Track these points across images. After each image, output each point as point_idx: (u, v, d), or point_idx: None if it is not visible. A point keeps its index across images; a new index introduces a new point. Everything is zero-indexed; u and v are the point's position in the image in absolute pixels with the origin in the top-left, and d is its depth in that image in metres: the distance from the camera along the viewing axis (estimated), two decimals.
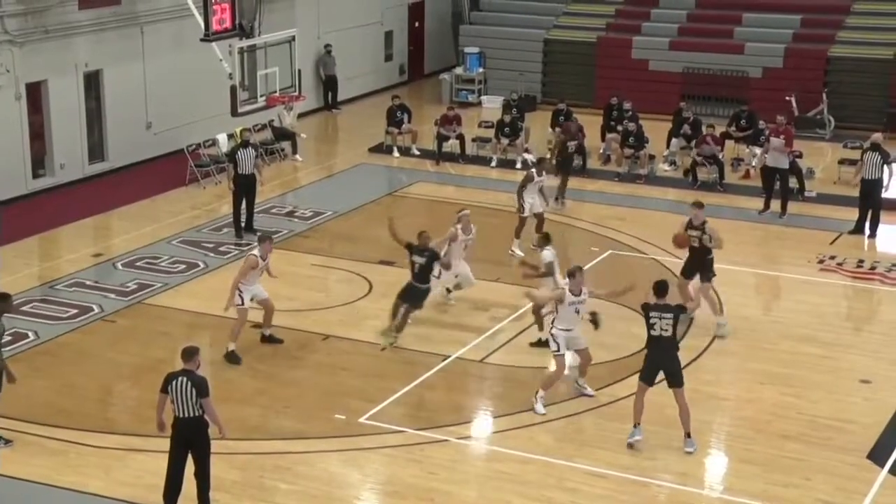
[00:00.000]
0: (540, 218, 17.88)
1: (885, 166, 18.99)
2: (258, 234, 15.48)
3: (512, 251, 17.85)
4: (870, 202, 18.98)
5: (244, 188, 18.81)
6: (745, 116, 23.06)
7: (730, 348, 14.69)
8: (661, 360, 12.18)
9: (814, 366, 14.31)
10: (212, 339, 14.93)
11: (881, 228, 19.27)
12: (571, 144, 20.93)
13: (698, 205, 15.20)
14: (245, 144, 19.08)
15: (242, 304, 14.23)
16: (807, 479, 11.76)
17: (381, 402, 13.17)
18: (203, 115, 22.85)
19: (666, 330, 12.03)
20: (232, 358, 14.17)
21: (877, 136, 19.36)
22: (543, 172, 18.29)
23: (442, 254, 15.21)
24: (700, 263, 15.07)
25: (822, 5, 27.48)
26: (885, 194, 19.24)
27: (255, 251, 14.42)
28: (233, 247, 18.36)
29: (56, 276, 17.07)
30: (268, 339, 14.70)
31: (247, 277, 14.23)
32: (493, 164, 23.08)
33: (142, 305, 15.99)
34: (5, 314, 12.09)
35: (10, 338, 14.71)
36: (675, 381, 12.21)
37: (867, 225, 19.03)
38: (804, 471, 11.88)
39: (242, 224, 18.84)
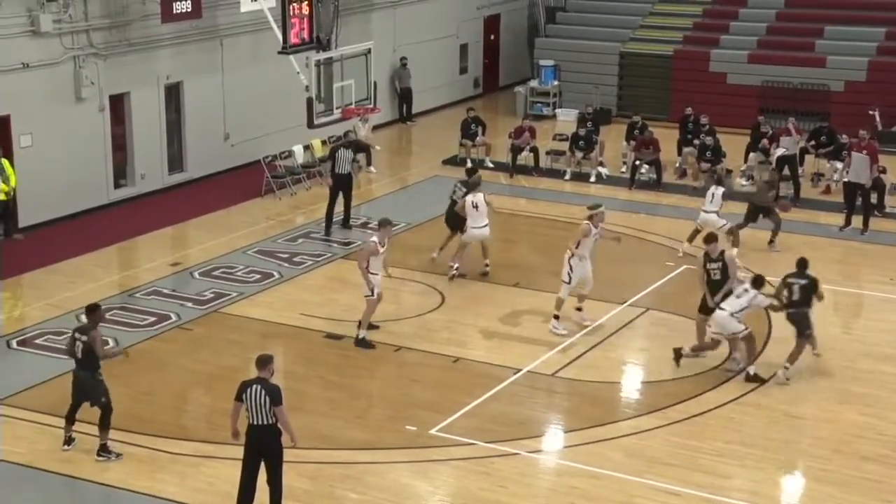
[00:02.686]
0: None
1: None
2: (378, 221, 15.56)
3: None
4: None
5: (340, 186, 19.58)
6: (826, 132, 22.65)
7: (807, 366, 14.39)
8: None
9: (895, 386, 13.94)
10: (285, 349, 15.07)
11: None
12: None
13: (712, 238, 14.87)
14: (346, 145, 19.88)
15: (372, 294, 14.67)
16: (887, 501, 11.47)
17: (451, 415, 13.16)
18: (279, 127, 23.13)
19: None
20: (363, 344, 14.72)
21: None
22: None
23: (575, 247, 15.30)
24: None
25: None
26: None
27: (375, 237, 14.76)
28: (308, 257, 18.52)
29: (135, 285, 17.38)
30: (370, 325, 15.13)
31: (370, 264, 14.47)
32: (567, 177, 22.98)
33: (217, 314, 16.20)
34: (100, 324, 12.32)
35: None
36: None
37: None
38: (884, 493, 11.59)
39: (337, 220, 19.68)
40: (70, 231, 19.57)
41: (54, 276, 17.59)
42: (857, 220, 19.67)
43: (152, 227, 19.95)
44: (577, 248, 15.34)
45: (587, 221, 15.41)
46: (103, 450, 12.09)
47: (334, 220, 19.70)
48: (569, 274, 15.33)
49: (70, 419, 12.29)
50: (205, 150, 22.61)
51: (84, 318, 12.61)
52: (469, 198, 17.29)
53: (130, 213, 20.75)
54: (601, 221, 15.57)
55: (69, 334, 12.47)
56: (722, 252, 14.72)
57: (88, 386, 12.04)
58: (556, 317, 15.39)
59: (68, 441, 12.33)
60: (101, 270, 17.95)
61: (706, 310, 14.47)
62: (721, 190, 18.33)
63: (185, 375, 14.32)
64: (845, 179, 19.93)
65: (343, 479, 11.88)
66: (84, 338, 12.00)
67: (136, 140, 21.40)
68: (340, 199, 19.77)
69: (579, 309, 15.63)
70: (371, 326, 15.12)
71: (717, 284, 14.42)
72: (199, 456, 12.19)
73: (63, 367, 14.39)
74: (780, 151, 21.60)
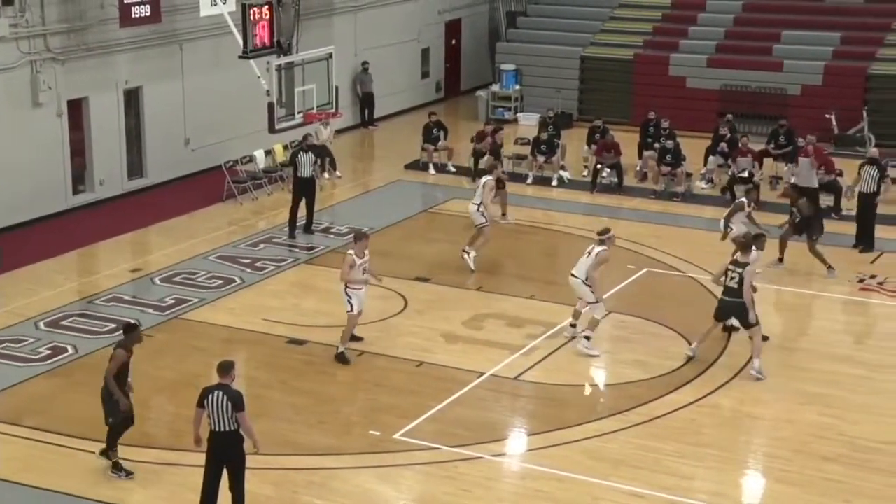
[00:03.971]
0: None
1: (883, 180, 19.05)
2: (353, 235, 15.18)
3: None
4: (866, 215, 19.01)
5: (303, 190, 19.52)
6: (784, 133, 22.90)
7: (768, 368, 14.52)
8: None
9: (854, 386, 14.12)
10: (247, 354, 15.00)
11: None
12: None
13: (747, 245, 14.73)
14: (307, 149, 19.81)
15: (352, 310, 14.50)
16: (846, 501, 11.59)
17: (415, 419, 13.15)
18: (240, 132, 23.03)
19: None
20: (341, 358, 14.55)
21: (874, 151, 19.54)
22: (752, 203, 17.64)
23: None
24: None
25: (862, 23, 27.26)
26: None
27: (352, 251, 14.60)
28: (270, 262, 18.44)
29: (95, 291, 17.21)
30: (353, 338, 14.97)
31: (352, 278, 14.36)
32: (529, 180, 23.06)
33: (179, 320, 16.09)
34: (136, 344, 11.86)
35: (50, 352, 14.91)
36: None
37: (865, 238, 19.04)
38: (843, 493, 11.72)
39: (300, 225, 19.62)
40: (28, 237, 19.35)
41: (13, 282, 17.39)
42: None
43: (112, 232, 19.77)
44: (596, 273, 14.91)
45: (605, 248, 14.84)
46: (115, 468, 11.80)
47: (297, 224, 19.64)
48: (593, 293, 14.88)
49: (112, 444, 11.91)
50: (165, 156, 22.45)
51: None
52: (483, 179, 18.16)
53: (90, 218, 20.56)
54: (613, 244, 15.25)
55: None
56: (747, 263, 14.34)
57: (106, 402, 11.72)
58: (588, 337, 14.88)
59: (115, 468, 11.88)
60: (60, 277, 17.77)
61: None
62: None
63: (146, 382, 14.15)
64: (793, 182, 20.18)
65: (307, 485, 11.84)
66: (115, 350, 11.73)
67: (94, 145, 21.20)
68: (304, 204, 19.71)
69: (573, 325, 15.39)
70: (354, 338, 14.92)
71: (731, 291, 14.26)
72: (162, 463, 12.09)
73: (23, 375, 14.27)
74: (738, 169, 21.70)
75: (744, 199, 17.50)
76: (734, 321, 14.62)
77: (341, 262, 14.74)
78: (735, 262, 14.39)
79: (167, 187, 22.44)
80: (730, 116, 23.57)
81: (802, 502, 11.57)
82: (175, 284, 17.42)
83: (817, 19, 27.50)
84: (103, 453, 11.94)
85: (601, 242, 14.95)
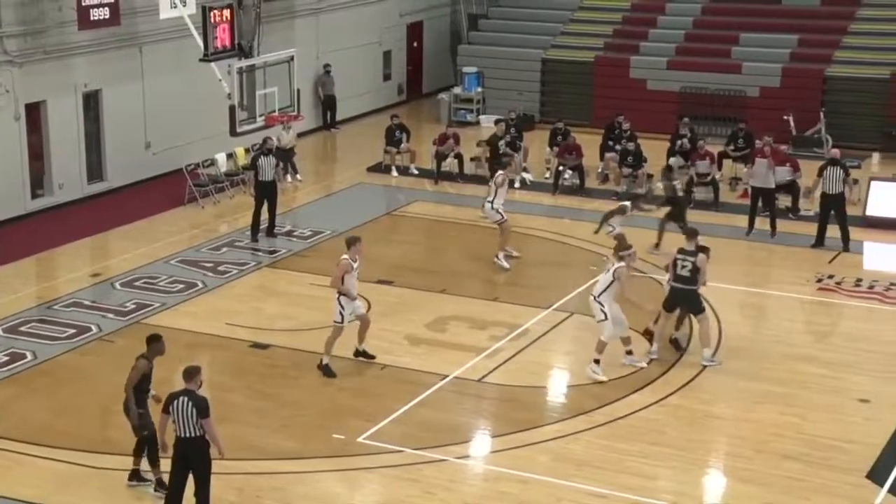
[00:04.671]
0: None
1: (847, 181, 19.24)
2: (346, 240, 14.73)
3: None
4: (837, 217, 19.14)
5: (265, 194, 19.42)
6: (743, 135, 23.13)
7: (728, 368, 14.68)
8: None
9: (813, 385, 14.29)
10: (210, 359, 14.92)
11: (883, 247, 19.42)
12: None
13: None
14: (267, 152, 19.66)
15: (341, 321, 14.21)
16: (806, 499, 11.73)
17: (379, 422, 13.15)
18: (202, 135, 22.91)
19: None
20: (327, 371, 14.26)
21: (835, 152, 19.65)
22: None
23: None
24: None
25: (819, 25, 27.59)
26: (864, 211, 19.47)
27: (346, 255, 14.28)
28: (232, 266, 18.36)
29: (54, 296, 17.06)
30: (361, 354, 14.66)
31: (347, 289, 14.10)
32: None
33: (140, 325, 15.97)
34: (157, 356, 11.53)
35: (8, 358, 14.76)
36: None
37: (834, 239, 19.17)
38: (804, 491, 11.86)
39: (263, 228, 19.55)
40: None
41: None
42: (763, 224, 20.04)
43: (72, 237, 19.61)
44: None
45: (624, 265, 14.35)
46: (160, 485, 11.41)
47: (259, 227, 19.57)
48: (603, 311, 14.29)
49: (153, 461, 11.54)
50: (125, 159, 22.29)
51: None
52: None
53: (49, 223, 20.37)
54: (634, 261, 14.91)
55: None
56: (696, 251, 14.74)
57: (130, 416, 11.38)
58: (597, 360, 14.35)
59: (158, 485, 11.48)
60: (19, 282, 17.60)
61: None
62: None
63: (108, 388, 14.03)
64: (751, 184, 20.40)
65: (271, 489, 11.80)
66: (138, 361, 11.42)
67: (53, 149, 21.02)
68: (265, 208, 19.64)
69: (629, 352, 14.69)
70: (366, 355, 14.61)
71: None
72: (125, 469, 11.98)
73: None
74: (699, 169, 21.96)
75: (627, 204, 18.00)
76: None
77: (333, 266, 14.39)
78: (683, 251, 14.63)
79: (128, 191, 22.28)
80: (687, 119, 23.73)
81: (763, 501, 11.69)
82: (136, 289, 17.30)
83: (775, 22, 27.80)
84: (134, 475, 11.52)
85: (621, 258, 14.35)
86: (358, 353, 14.66)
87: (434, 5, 31.47)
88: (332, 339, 14.35)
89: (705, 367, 14.53)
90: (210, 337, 15.59)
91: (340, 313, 14.22)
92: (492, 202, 18.10)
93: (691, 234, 14.96)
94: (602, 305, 14.24)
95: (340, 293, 14.20)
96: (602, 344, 14.30)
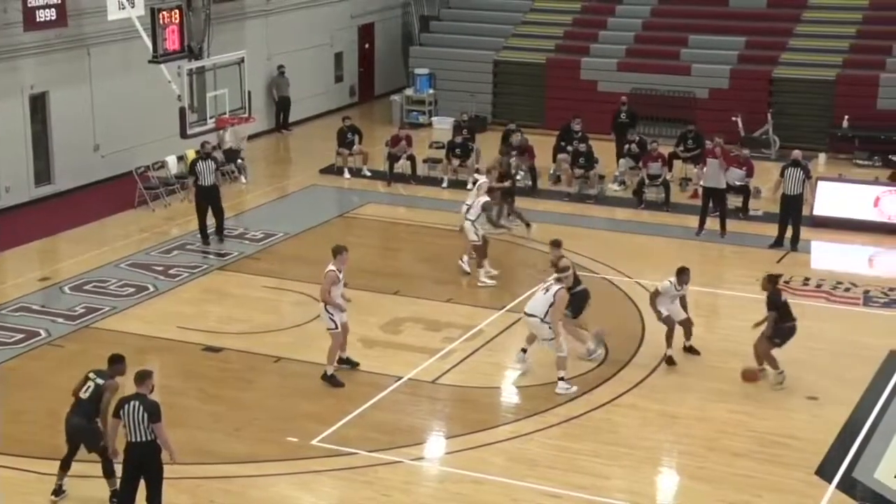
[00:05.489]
0: None
1: (807, 182, 19.49)
2: (332, 249, 14.42)
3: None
4: (792, 217, 19.42)
5: (206, 198, 19.04)
6: (692, 136, 23.36)
7: (679, 367, 14.82)
8: None
9: (762, 383, 14.46)
10: (162, 362, 14.79)
11: (830, 247, 19.71)
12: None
13: (557, 244, 15.65)
14: (205, 156, 19.30)
15: (336, 327, 14.07)
16: (758, 496, 11.88)
17: (333, 424, 13.12)
18: (152, 138, 22.70)
19: None
20: (333, 381, 14.03)
21: (796, 153, 19.90)
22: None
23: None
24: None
25: (766, 28, 27.96)
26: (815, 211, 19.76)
27: (332, 265, 14.09)
28: (183, 269, 18.22)
29: (1, 301, 16.82)
30: (345, 362, 14.49)
31: (333, 300, 13.94)
32: (445, 184, 23.14)
33: (90, 329, 15.81)
34: (118, 377, 11.33)
35: None
36: None
37: (788, 239, 19.48)
38: (755, 488, 12.01)
39: (209, 231, 19.23)
40: None
41: None
42: (713, 224, 20.25)
43: (19, 241, 19.35)
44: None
45: (563, 287, 14.19)
46: (115, 496, 11.19)
47: (208, 231, 19.35)
48: (552, 329, 14.09)
49: (65, 465, 11.41)
50: (74, 162, 22.04)
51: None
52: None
53: None
54: (569, 283, 14.70)
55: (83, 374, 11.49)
56: (561, 257, 15.31)
57: (84, 431, 11.19)
58: (562, 378, 14.07)
59: (57, 492, 11.42)
60: None
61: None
62: None
63: (57, 393, 13.85)
64: (702, 184, 20.63)
65: (224, 493, 11.73)
66: (100, 381, 11.15)
67: None
68: (211, 212, 19.36)
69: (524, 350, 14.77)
70: (349, 362, 14.48)
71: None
72: (75, 476, 11.82)
73: None
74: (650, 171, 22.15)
75: (489, 199, 18.18)
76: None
77: (321, 277, 14.15)
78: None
79: (76, 194, 22.03)
80: (579, 119, 23.40)
81: (715, 498, 11.82)
82: (86, 293, 17.11)
83: (723, 24, 28.12)
84: (115, 496, 11.22)
85: (558, 280, 14.22)
86: (342, 361, 14.52)
87: (385, 7, 31.45)
88: (334, 348, 14.19)
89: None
90: (162, 341, 15.47)
91: (332, 320, 14.04)
92: (473, 221, 17.78)
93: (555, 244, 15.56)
94: (549, 325, 14.02)
95: (328, 305, 14.01)
96: (562, 360, 14.12)
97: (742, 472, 12.29)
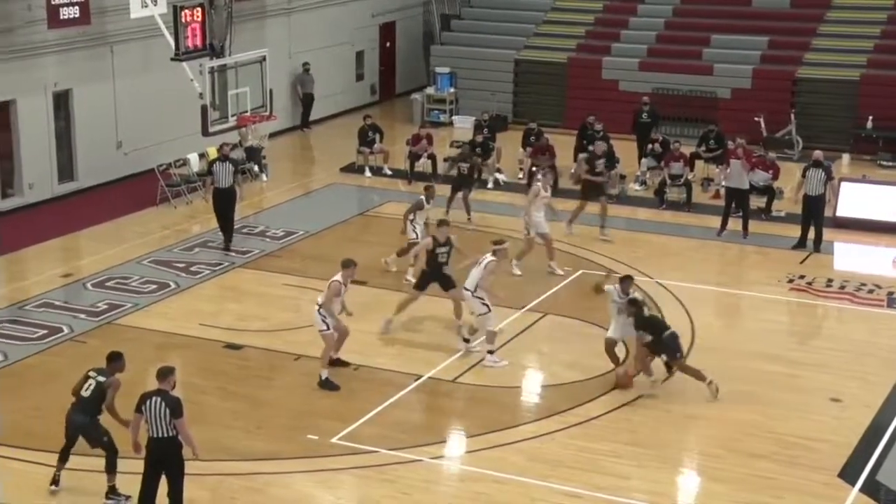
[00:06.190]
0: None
1: (829, 183, 19.36)
2: (342, 262, 14.45)
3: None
4: (814, 218, 19.29)
5: (221, 201, 18.92)
6: (714, 136, 23.26)
7: (700, 367, 14.73)
8: None
9: (783, 384, 14.40)
10: (183, 360, 14.84)
11: (853, 248, 19.60)
12: (463, 166, 20.88)
13: (444, 223, 16.08)
14: (223, 159, 19.22)
15: (328, 329, 14.05)
16: (778, 497, 11.82)
17: (353, 423, 13.14)
18: (174, 135, 22.79)
19: None
20: (328, 385, 13.96)
21: (818, 154, 19.76)
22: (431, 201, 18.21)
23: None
24: (438, 275, 15.66)
25: (789, 28, 27.80)
26: (840, 213, 19.67)
27: (338, 276, 14.10)
28: (205, 266, 18.28)
29: (25, 297, 16.92)
30: (335, 363, 14.46)
31: (331, 309, 13.96)
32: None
33: (112, 326, 15.88)
34: (118, 373, 11.43)
35: None
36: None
37: (811, 240, 19.35)
38: (775, 489, 11.95)
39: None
40: None
41: None
42: (735, 224, 20.15)
43: (42, 237, 19.46)
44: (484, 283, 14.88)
45: (495, 259, 14.85)
46: (112, 492, 11.32)
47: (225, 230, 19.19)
48: (484, 304, 14.74)
49: (63, 457, 11.52)
50: (96, 159, 22.15)
51: None
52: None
53: (19, 223, 20.19)
54: (504, 258, 15.33)
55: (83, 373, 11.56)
56: (448, 238, 15.73)
57: (86, 428, 11.29)
58: (491, 352, 14.78)
59: (56, 481, 11.54)
60: None
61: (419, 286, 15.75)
62: None
63: None
64: (724, 185, 20.54)
65: (245, 490, 11.77)
66: (101, 379, 11.24)
67: (23, 149, 20.85)
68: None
69: (466, 340, 15.26)
70: (340, 363, 14.48)
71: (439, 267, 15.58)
72: (96, 471, 11.88)
73: None
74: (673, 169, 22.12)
75: (423, 198, 18.13)
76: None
77: (326, 286, 14.18)
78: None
79: (99, 191, 22.14)
80: (593, 117, 23.50)
81: (736, 499, 11.77)
82: (108, 289, 17.19)
83: (746, 24, 27.99)
84: (111, 492, 11.36)
85: (494, 253, 14.88)
86: (334, 362, 14.52)
87: (406, 6, 31.46)
88: (327, 350, 14.16)
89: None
90: (183, 337, 15.52)
91: (325, 322, 14.06)
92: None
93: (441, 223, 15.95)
94: (482, 298, 14.63)
95: (323, 308, 14.06)
96: (492, 335, 14.68)
97: (763, 474, 12.22)
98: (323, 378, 14.07)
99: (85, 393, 11.30)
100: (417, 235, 17.56)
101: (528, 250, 18.00)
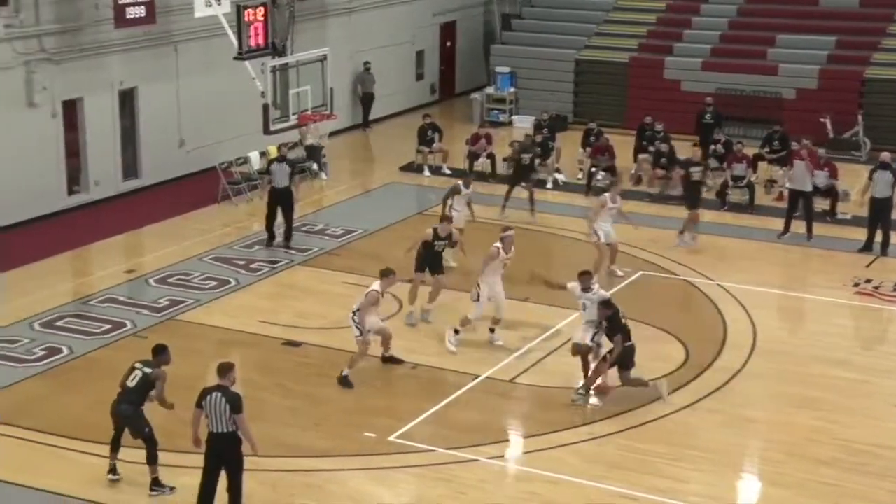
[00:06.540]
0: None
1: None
2: (381, 271, 14.51)
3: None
4: (881, 220, 18.91)
5: (278, 201, 19.06)
6: (778, 137, 22.94)
7: (762, 371, 14.56)
8: None
9: (848, 390, 14.15)
10: (242, 356, 14.96)
11: None
12: (525, 157, 21.14)
13: (447, 219, 16.59)
14: (281, 159, 19.38)
15: (360, 335, 14.10)
16: (839, 503, 11.63)
17: (410, 421, 13.15)
18: (235, 133, 23.01)
19: None
20: (345, 382, 14.08)
21: (885, 155, 19.35)
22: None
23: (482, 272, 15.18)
24: (434, 259, 16.12)
25: (857, 27, 27.32)
26: None
27: (376, 286, 14.15)
28: (264, 264, 18.43)
29: (89, 292, 17.19)
30: (389, 360, 14.61)
31: (367, 321, 14.04)
32: (524, 183, 23.00)
33: (173, 322, 16.07)
34: (163, 366, 11.64)
35: (44, 353, 14.92)
36: None
37: (878, 243, 18.96)
38: (838, 496, 11.74)
39: (277, 236, 19.12)
40: (23, 238, 19.32)
41: (8, 283, 17.38)
42: (798, 227, 19.84)
43: (106, 234, 19.75)
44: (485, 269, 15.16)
45: (498, 245, 15.21)
46: (155, 484, 11.52)
47: (276, 232, 19.18)
48: (478, 294, 15.14)
49: (115, 447, 11.76)
50: (160, 157, 22.44)
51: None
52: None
53: (84, 219, 20.53)
54: (512, 245, 15.39)
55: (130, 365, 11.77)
56: (450, 233, 16.23)
57: (130, 418, 11.50)
58: (457, 331, 15.14)
59: (113, 470, 11.77)
60: (54, 277, 17.74)
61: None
62: None
63: None
64: (788, 186, 20.22)
65: (304, 487, 11.83)
66: (147, 370, 11.46)
67: (89, 146, 21.19)
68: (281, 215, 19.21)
69: (492, 330, 15.37)
70: (394, 361, 14.59)
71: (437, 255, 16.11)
72: (143, 463, 12.04)
73: (18, 376, 14.26)
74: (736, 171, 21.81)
75: (460, 182, 18.60)
76: None
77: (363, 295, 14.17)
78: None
79: (162, 188, 22.42)
80: (650, 119, 23.39)
81: None
82: (170, 286, 17.40)
83: (812, 23, 27.56)
84: (155, 483, 11.54)
85: (502, 240, 15.21)
86: (385, 360, 14.60)
87: (467, 5, 31.46)
88: (359, 354, 14.18)
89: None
90: (242, 334, 15.66)
91: (358, 328, 14.09)
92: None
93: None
94: (477, 287, 15.08)
95: (355, 315, 14.13)
96: (467, 320, 15.02)
97: (826, 480, 12.02)
98: (343, 374, 14.15)
99: (130, 383, 11.52)
100: (453, 219, 17.67)
101: (603, 255, 17.70)
